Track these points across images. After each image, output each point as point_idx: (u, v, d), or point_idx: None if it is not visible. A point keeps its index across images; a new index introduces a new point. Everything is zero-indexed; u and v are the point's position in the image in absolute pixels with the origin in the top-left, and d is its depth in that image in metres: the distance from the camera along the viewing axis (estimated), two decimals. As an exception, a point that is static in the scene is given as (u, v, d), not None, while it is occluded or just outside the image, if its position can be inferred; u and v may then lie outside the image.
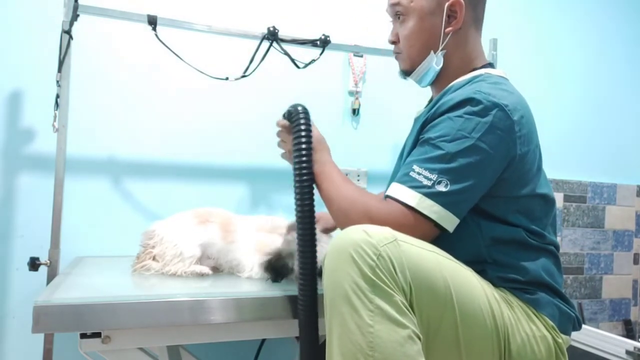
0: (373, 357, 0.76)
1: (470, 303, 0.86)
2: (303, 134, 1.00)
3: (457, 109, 0.95)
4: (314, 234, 0.97)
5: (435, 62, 1.08)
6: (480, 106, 0.93)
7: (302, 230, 0.96)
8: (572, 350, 1.58)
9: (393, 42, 1.15)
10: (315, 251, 0.96)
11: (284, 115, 1.10)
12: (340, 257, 0.82)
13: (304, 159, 0.99)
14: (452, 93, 1.01)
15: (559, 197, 2.17)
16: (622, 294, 2.31)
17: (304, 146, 0.99)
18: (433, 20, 1.06)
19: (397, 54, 1.16)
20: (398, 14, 1.11)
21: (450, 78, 1.09)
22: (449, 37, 1.06)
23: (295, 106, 1.05)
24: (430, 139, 0.95)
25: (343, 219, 0.98)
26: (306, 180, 0.98)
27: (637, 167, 2.39)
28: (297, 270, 0.98)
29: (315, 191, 1.03)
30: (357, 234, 0.82)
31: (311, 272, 0.96)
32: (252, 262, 1.19)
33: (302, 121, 1.02)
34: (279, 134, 1.14)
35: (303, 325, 0.97)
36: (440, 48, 1.07)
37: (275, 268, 1.13)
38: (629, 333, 2.26)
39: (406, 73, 1.15)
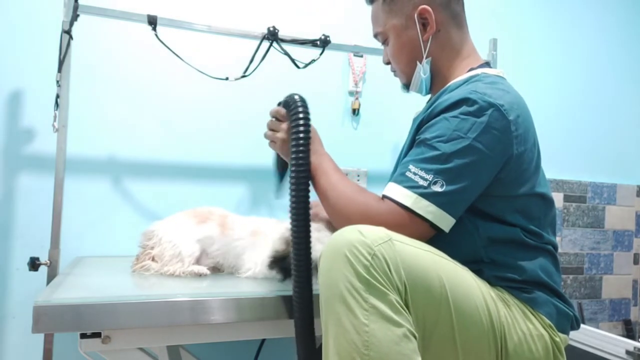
0: (369, 356, 0.76)
1: (466, 302, 0.86)
2: (302, 122, 1.00)
3: (453, 109, 0.95)
4: (309, 229, 0.96)
5: (422, 72, 1.10)
6: (476, 106, 0.93)
7: (297, 224, 0.95)
8: (571, 350, 1.58)
9: (387, 63, 1.20)
10: (309, 249, 0.96)
11: (279, 104, 1.10)
12: (335, 257, 0.82)
13: (301, 147, 0.98)
14: (448, 93, 1.01)
15: (559, 197, 2.17)
16: (622, 294, 2.31)
17: (302, 135, 0.99)
18: (409, 33, 1.10)
19: (394, 73, 1.21)
20: (381, 40, 1.17)
21: (445, 79, 1.10)
22: (429, 43, 1.09)
23: (292, 95, 1.05)
24: (427, 139, 0.95)
25: (339, 216, 0.98)
26: (303, 170, 0.97)
27: (637, 167, 2.39)
28: (292, 268, 0.97)
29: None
30: (352, 234, 0.83)
31: (306, 269, 0.96)
32: (254, 259, 1.19)
33: (301, 109, 1.01)
34: (270, 123, 1.12)
35: (298, 325, 0.97)
36: (424, 57, 1.09)
37: (286, 268, 1.13)
38: (629, 333, 2.26)
39: (407, 87, 1.19)
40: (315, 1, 1.83)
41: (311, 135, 1.02)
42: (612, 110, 2.34)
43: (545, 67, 2.20)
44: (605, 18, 2.32)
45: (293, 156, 0.98)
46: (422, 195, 0.91)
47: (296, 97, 1.04)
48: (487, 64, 1.11)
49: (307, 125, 1.00)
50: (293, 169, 0.97)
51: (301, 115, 1.01)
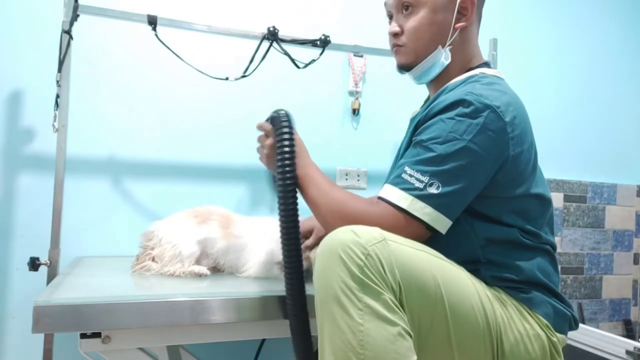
0: (364, 356, 0.76)
1: (461, 302, 0.86)
2: (286, 136, 1.00)
3: (449, 111, 0.95)
4: (299, 238, 0.97)
5: (444, 57, 1.06)
6: (472, 108, 0.93)
7: (287, 235, 0.96)
8: (571, 350, 1.58)
9: (395, 34, 1.09)
10: (300, 255, 0.97)
11: (267, 119, 1.10)
12: (329, 257, 0.82)
13: (287, 162, 0.99)
14: (446, 94, 1.01)
15: (559, 197, 2.17)
16: (622, 294, 2.31)
17: (287, 149, 0.99)
18: (444, 14, 1.06)
19: (398, 47, 1.10)
20: (406, 4, 1.07)
21: (449, 76, 1.09)
22: (457, 33, 1.06)
23: (278, 111, 1.06)
24: (422, 140, 0.95)
25: (332, 223, 0.96)
26: (290, 184, 0.98)
27: (637, 167, 2.39)
28: (284, 273, 0.98)
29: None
30: (346, 234, 0.83)
31: (298, 274, 0.97)
32: (256, 258, 1.19)
33: (285, 125, 1.02)
34: (259, 138, 1.13)
35: (294, 328, 0.98)
36: (447, 43, 1.06)
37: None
38: (629, 333, 2.27)
39: (406, 67, 1.11)
40: (315, 1, 1.83)
41: (296, 149, 1.03)
42: (612, 110, 2.34)
43: (545, 67, 2.20)
44: (605, 18, 2.32)
45: (279, 170, 0.99)
46: (418, 197, 0.91)
47: (281, 112, 1.05)
48: (485, 64, 1.10)
49: (291, 140, 1.01)
50: (280, 182, 0.98)
51: (286, 130, 1.01)
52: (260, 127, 1.11)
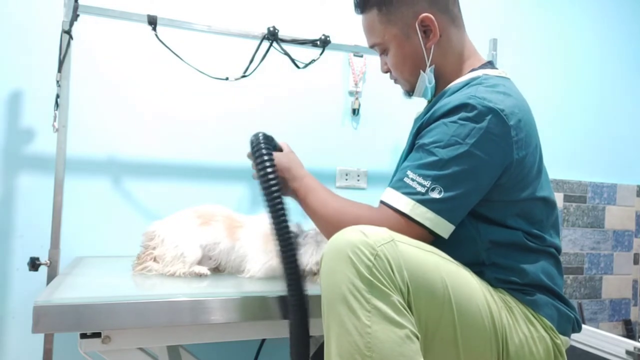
0: (371, 358, 0.76)
1: (468, 303, 0.86)
2: (265, 157, 1.00)
3: (451, 114, 0.94)
4: (294, 246, 0.97)
5: (427, 81, 1.08)
6: (475, 112, 0.92)
7: (282, 246, 0.96)
8: (572, 350, 1.58)
9: (386, 72, 1.16)
10: (296, 258, 0.97)
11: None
12: (337, 257, 0.81)
13: (269, 177, 0.98)
14: (448, 97, 1.00)
15: (559, 197, 2.17)
16: (622, 294, 2.31)
17: (268, 170, 0.99)
18: (411, 42, 1.06)
19: (394, 80, 1.17)
20: (377, 48, 1.12)
21: (447, 80, 1.08)
22: (432, 50, 1.05)
23: (255, 135, 1.05)
24: (425, 144, 0.95)
25: (332, 230, 0.94)
26: (275, 197, 0.97)
27: (637, 167, 2.39)
28: (284, 275, 0.98)
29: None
30: (354, 234, 0.82)
31: (296, 275, 0.97)
32: (258, 261, 1.19)
33: (260, 147, 1.02)
34: (252, 166, 1.13)
35: (293, 326, 0.98)
36: (427, 65, 1.06)
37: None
38: (629, 333, 2.27)
39: (408, 94, 1.16)
40: (315, 1, 1.83)
41: (285, 164, 1.04)
42: (612, 110, 2.34)
43: (545, 67, 2.20)
44: (605, 18, 2.32)
45: (263, 186, 0.98)
46: (420, 201, 0.91)
47: (260, 135, 1.04)
48: (489, 64, 1.09)
49: (272, 165, 1.00)
50: (265, 199, 0.97)
51: (264, 152, 1.01)
52: (248, 156, 1.11)
